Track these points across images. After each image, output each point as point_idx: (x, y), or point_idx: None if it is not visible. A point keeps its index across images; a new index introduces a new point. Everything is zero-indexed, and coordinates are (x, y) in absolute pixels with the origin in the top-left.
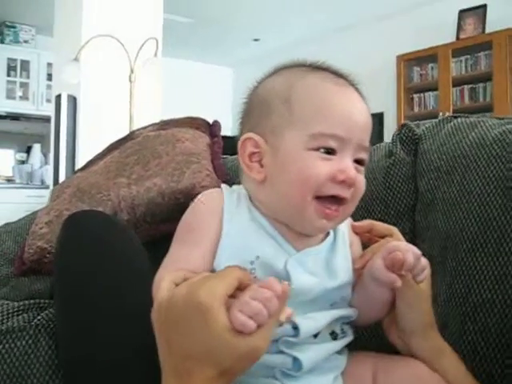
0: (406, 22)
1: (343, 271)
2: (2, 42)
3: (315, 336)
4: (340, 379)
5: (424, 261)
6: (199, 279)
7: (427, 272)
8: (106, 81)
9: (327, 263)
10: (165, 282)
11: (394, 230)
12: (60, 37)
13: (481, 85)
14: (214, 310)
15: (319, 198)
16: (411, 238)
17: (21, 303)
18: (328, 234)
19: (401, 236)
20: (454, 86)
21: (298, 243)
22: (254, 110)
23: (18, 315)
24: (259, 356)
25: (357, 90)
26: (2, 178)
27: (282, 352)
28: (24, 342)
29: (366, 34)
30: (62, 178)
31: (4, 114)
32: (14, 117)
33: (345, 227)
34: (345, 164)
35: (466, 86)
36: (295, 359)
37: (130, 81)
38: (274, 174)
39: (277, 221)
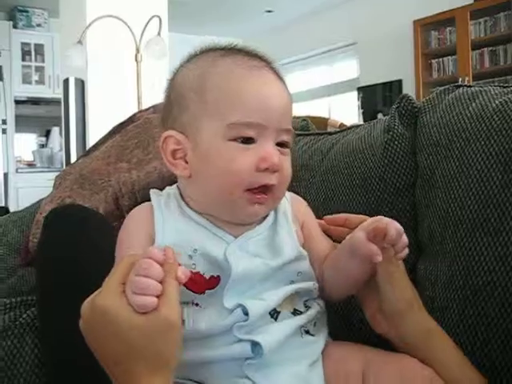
0: None
1: (288, 247)
2: (15, 27)
3: (275, 318)
4: (319, 366)
5: (405, 237)
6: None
7: (407, 250)
8: (112, 62)
9: (270, 242)
10: (83, 305)
11: (369, 219)
12: (65, 20)
13: (501, 47)
14: (114, 304)
15: (251, 189)
16: (412, 216)
17: (7, 301)
18: (267, 216)
19: None
20: (473, 49)
21: (234, 230)
22: (172, 104)
23: (4, 314)
24: (174, 324)
25: (273, 70)
26: (23, 163)
27: (240, 340)
28: (9, 342)
29: (380, 1)
30: (73, 161)
31: (24, 98)
32: (34, 101)
33: (286, 204)
34: (265, 151)
35: (485, 49)
36: (254, 344)
37: (136, 61)
38: (198, 169)
39: (209, 213)
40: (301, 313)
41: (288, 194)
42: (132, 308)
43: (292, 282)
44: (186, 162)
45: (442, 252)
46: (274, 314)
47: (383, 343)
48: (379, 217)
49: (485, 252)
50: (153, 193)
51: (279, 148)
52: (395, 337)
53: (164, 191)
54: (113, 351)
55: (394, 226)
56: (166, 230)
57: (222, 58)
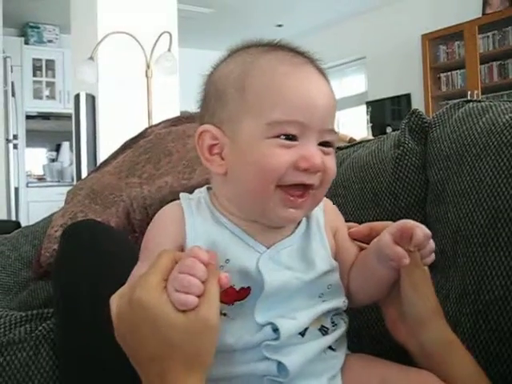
0: (431, 0)
1: (321, 259)
2: (27, 43)
3: (302, 335)
4: (339, 381)
5: (432, 243)
6: (135, 279)
7: (433, 257)
8: (123, 78)
9: (303, 253)
10: (112, 300)
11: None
12: (77, 36)
13: (509, 60)
14: (155, 300)
15: (283, 186)
16: None
17: (23, 314)
18: (299, 223)
19: None
20: (481, 63)
21: (267, 239)
22: (210, 99)
23: (20, 326)
24: (213, 325)
25: (317, 67)
26: (33, 177)
27: (266, 358)
28: (25, 354)
29: (389, 15)
30: (84, 176)
31: (35, 113)
32: (45, 116)
33: (319, 212)
34: (307, 150)
35: (494, 63)
36: (280, 364)
37: (147, 76)
38: (234, 166)
39: (242, 219)
40: (327, 329)
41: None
42: (172, 305)
43: (322, 295)
44: (222, 159)
45: (454, 266)
46: (303, 331)
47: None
48: (405, 220)
49: (496, 267)
50: (183, 196)
51: (322, 147)
52: (415, 345)
53: (194, 195)
54: (149, 347)
55: (421, 229)
56: (197, 237)
57: (264, 55)
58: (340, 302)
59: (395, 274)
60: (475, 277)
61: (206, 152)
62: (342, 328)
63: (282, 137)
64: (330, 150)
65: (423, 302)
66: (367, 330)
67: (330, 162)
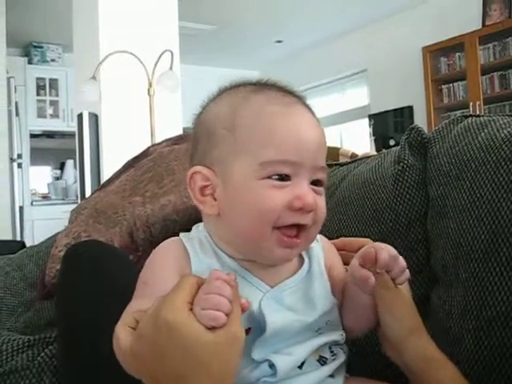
0: (430, 12)
1: (322, 300)
2: (30, 63)
3: (300, 367)
4: None
5: (402, 261)
6: (157, 303)
7: (407, 274)
8: (125, 96)
9: (305, 294)
10: (120, 331)
11: (367, 241)
12: (79, 55)
13: (510, 71)
14: (183, 320)
15: (279, 227)
16: (425, 247)
17: (25, 339)
18: (302, 262)
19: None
20: (482, 74)
21: (271, 278)
22: (201, 139)
23: (22, 352)
24: (240, 341)
25: (307, 106)
26: (38, 196)
27: None
28: (28, 382)
29: (389, 28)
30: (88, 194)
31: (39, 132)
32: (49, 134)
33: (319, 251)
34: (301, 190)
35: (495, 74)
36: None
37: (149, 94)
38: (227, 207)
39: (244, 259)
40: (326, 360)
41: (320, 238)
42: (201, 324)
43: (319, 330)
44: (215, 200)
45: (456, 282)
46: (301, 364)
47: (398, 375)
48: (372, 244)
49: (498, 282)
50: (183, 236)
51: (314, 187)
52: (401, 363)
53: (193, 234)
54: (175, 367)
55: (386, 251)
56: (202, 270)
57: (254, 95)
58: (338, 335)
59: (371, 299)
60: (477, 292)
61: (198, 193)
62: (341, 358)
63: (275, 177)
64: (321, 189)
65: (399, 323)
66: (371, 346)
67: (321, 202)
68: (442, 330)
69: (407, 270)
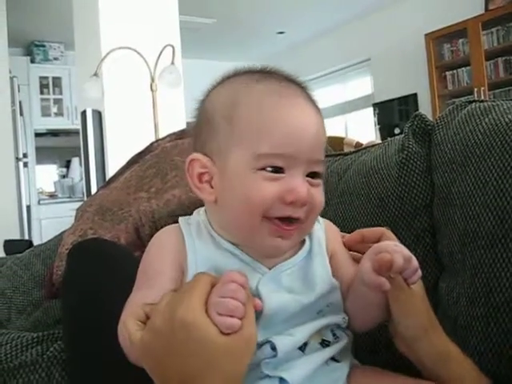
0: None
1: (322, 280)
2: (33, 62)
3: (302, 350)
4: None
5: (415, 262)
6: (171, 300)
7: (419, 274)
8: (128, 92)
9: (304, 275)
10: (129, 323)
11: (385, 230)
12: (81, 53)
13: None
14: (201, 322)
15: (270, 218)
16: (431, 235)
17: (34, 335)
18: (304, 242)
19: (393, 235)
20: (487, 59)
21: (270, 260)
22: (202, 127)
23: (31, 348)
24: (253, 343)
25: (307, 97)
26: (44, 194)
27: (267, 376)
28: (37, 376)
29: (391, 16)
30: (93, 191)
31: (44, 131)
32: (54, 133)
33: (320, 232)
34: (294, 183)
35: (499, 59)
36: (282, 380)
37: (152, 90)
38: (223, 195)
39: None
40: (329, 343)
41: (322, 220)
42: (217, 328)
43: (320, 312)
44: (212, 187)
45: (463, 269)
46: (302, 346)
47: (409, 366)
48: (386, 243)
49: (505, 268)
50: (182, 221)
51: (310, 179)
52: (414, 359)
53: (193, 218)
54: (189, 367)
55: (401, 255)
56: (199, 261)
57: (255, 84)
58: (339, 318)
59: (384, 297)
60: (484, 279)
61: (196, 180)
62: (344, 340)
63: (269, 169)
64: (318, 181)
65: (413, 322)
66: (383, 339)
67: (318, 194)
68: (450, 317)
69: (419, 270)
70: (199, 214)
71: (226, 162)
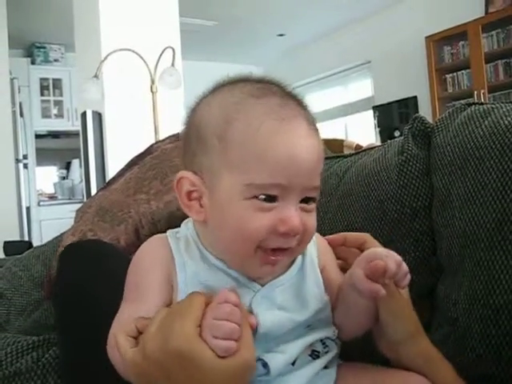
0: (432, 1)
1: (314, 298)
2: (33, 63)
3: (293, 364)
4: None
5: (405, 266)
6: (163, 324)
7: (409, 277)
8: (128, 94)
9: (297, 292)
10: (120, 338)
11: (367, 236)
12: (81, 54)
13: None
14: (196, 349)
15: (263, 247)
16: (430, 237)
17: (30, 340)
18: (294, 259)
19: (375, 242)
20: (487, 62)
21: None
22: (191, 140)
23: (27, 354)
24: (253, 365)
25: (307, 118)
26: (44, 196)
27: None
28: (33, 383)
29: (391, 18)
30: (93, 193)
31: (44, 132)
32: (54, 134)
33: (313, 248)
34: (287, 213)
35: (499, 61)
36: None
37: (152, 92)
38: (213, 218)
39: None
40: (318, 353)
41: (314, 235)
42: (213, 352)
43: (309, 326)
44: (201, 206)
45: (462, 272)
46: (293, 361)
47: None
48: (376, 249)
49: (504, 270)
50: (170, 235)
51: (304, 205)
52: (398, 363)
53: (181, 232)
54: None
55: (393, 260)
56: (188, 279)
57: (249, 102)
58: (330, 331)
59: (374, 304)
60: (483, 281)
61: (185, 198)
62: (334, 350)
63: (262, 196)
64: (312, 206)
65: (401, 327)
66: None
67: (311, 221)
68: (449, 320)
69: (409, 274)
70: (188, 227)
71: (217, 184)
